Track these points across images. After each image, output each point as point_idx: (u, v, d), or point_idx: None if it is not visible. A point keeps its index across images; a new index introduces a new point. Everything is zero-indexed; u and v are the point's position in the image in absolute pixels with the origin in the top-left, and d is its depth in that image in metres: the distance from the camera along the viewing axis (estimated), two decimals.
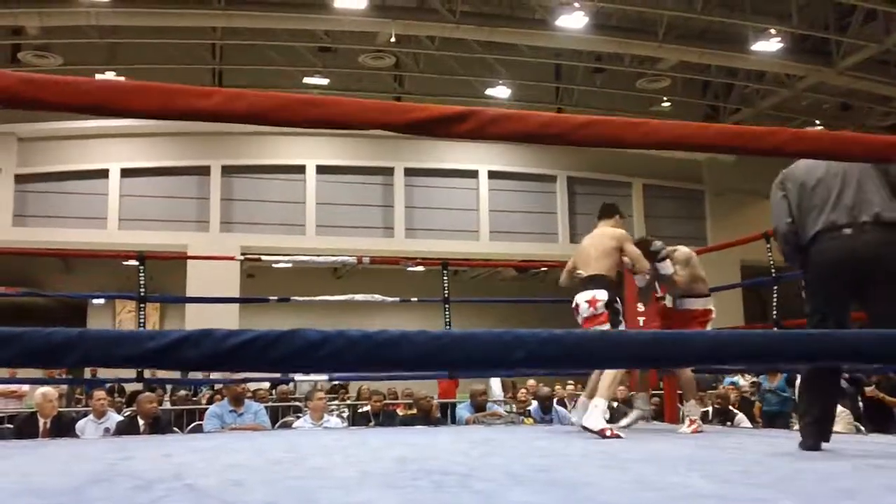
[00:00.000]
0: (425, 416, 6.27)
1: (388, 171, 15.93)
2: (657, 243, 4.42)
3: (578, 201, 16.83)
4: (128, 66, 13.76)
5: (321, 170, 15.59)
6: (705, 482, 2.09)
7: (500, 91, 15.71)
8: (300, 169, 15.50)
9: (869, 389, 6.48)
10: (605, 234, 4.33)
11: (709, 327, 4.51)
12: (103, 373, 12.00)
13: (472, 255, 14.95)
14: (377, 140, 15.26)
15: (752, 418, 7.34)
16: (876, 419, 6.22)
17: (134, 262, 5.56)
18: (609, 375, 4.02)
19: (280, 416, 7.44)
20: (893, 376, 6.30)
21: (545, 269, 14.85)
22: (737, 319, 13.94)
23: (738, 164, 16.37)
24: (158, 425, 5.58)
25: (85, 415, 6.17)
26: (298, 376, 8.99)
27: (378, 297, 5.79)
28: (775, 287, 5.06)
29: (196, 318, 13.34)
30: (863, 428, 5.66)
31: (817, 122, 16.31)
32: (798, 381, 3.68)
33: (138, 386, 6.41)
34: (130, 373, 5.36)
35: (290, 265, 15.51)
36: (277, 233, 15.09)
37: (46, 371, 10.55)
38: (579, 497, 1.85)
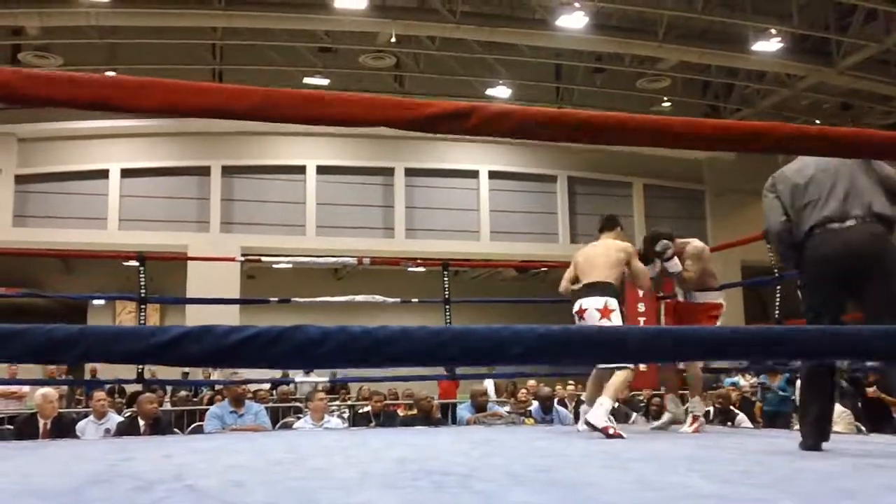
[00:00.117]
0: (426, 416, 6.26)
1: (389, 172, 15.91)
2: (662, 243, 4.42)
3: (579, 201, 16.81)
4: (128, 66, 13.78)
5: (321, 170, 15.57)
6: (705, 482, 2.09)
7: (501, 91, 15.68)
8: (300, 169, 15.49)
9: (870, 390, 6.48)
10: (613, 246, 4.37)
11: (719, 322, 4.52)
12: (103, 373, 12.03)
13: (472, 256, 14.93)
14: (377, 140, 15.25)
15: (752, 418, 7.35)
16: (876, 419, 6.21)
17: (134, 263, 5.56)
18: (619, 376, 4.05)
19: (280, 416, 7.42)
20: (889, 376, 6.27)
21: (545, 269, 14.82)
22: (737, 319, 13.94)
23: (738, 164, 16.36)
24: (159, 426, 5.58)
25: (85, 416, 6.16)
26: (299, 377, 9.04)
27: (379, 297, 5.80)
28: (778, 287, 5.05)
29: (196, 320, 13.26)
30: (863, 428, 5.66)
31: (817, 121, 16.30)
32: (798, 382, 3.68)
33: (138, 387, 6.40)
34: (131, 373, 5.37)
35: (290, 266, 15.50)
36: (278, 233, 15.07)
37: (47, 372, 10.59)
38: (580, 497, 1.85)
